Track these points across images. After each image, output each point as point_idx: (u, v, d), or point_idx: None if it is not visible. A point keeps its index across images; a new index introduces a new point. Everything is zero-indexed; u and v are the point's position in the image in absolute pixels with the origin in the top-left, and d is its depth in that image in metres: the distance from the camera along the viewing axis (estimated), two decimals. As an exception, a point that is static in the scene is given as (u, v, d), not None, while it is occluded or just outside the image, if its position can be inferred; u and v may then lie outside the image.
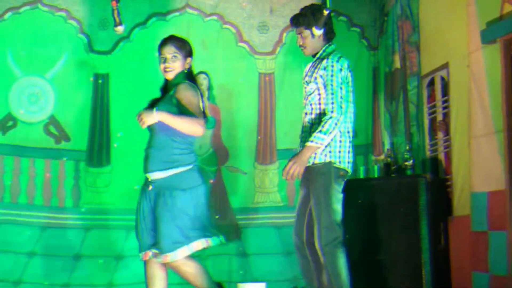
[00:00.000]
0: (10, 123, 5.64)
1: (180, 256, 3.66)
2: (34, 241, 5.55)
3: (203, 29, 6.02)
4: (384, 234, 5.19)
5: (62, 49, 5.82)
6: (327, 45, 4.29)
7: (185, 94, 3.80)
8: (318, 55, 4.26)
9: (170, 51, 3.89)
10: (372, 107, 6.18)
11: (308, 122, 4.18)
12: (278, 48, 6.06)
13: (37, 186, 5.67)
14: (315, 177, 4.09)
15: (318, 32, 4.44)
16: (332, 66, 4.11)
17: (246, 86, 6.03)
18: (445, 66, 5.30)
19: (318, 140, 3.99)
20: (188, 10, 5.99)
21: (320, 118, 4.09)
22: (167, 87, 3.94)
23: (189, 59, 3.93)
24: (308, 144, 4.01)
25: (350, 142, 4.16)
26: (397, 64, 5.84)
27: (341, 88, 4.10)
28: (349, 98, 4.18)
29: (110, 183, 5.80)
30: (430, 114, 5.58)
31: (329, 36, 4.30)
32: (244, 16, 6.02)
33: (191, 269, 3.72)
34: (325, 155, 4.09)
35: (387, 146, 5.88)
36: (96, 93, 5.83)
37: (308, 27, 4.23)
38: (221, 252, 5.69)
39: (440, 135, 5.41)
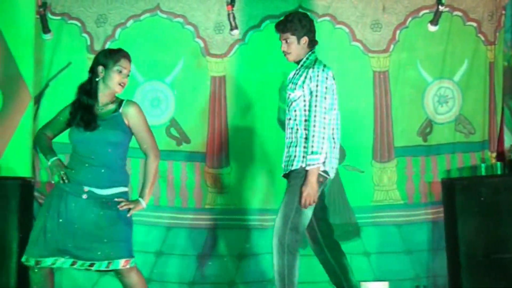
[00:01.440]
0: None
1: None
2: (160, 241, 5.72)
3: (316, 30, 6.02)
4: (510, 232, 5.09)
5: (180, 54, 5.96)
6: (310, 52, 4.36)
7: (139, 121, 3.99)
8: (301, 62, 4.34)
9: (128, 67, 3.98)
10: (488, 103, 6.04)
11: (292, 128, 4.26)
12: (392, 46, 6.00)
13: (161, 187, 5.82)
14: (294, 178, 4.16)
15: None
16: (318, 75, 4.21)
17: (360, 85, 6.00)
18: None
19: (314, 162, 4.07)
20: (301, 11, 6.01)
21: (305, 124, 4.18)
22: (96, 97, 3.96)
23: None
24: (308, 168, 4.08)
25: (334, 147, 4.25)
26: (518, 59, 5.72)
27: (325, 98, 4.17)
28: (334, 106, 4.27)
29: (230, 184, 5.90)
30: (556, 109, 5.44)
31: (313, 44, 4.39)
32: (356, 15, 6.00)
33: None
34: None
35: (510, 142, 5.74)
36: (214, 96, 5.94)
37: (294, 33, 4.30)
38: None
39: None
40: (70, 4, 5.92)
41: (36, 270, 3.79)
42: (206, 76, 5.99)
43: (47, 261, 3.78)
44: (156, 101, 5.93)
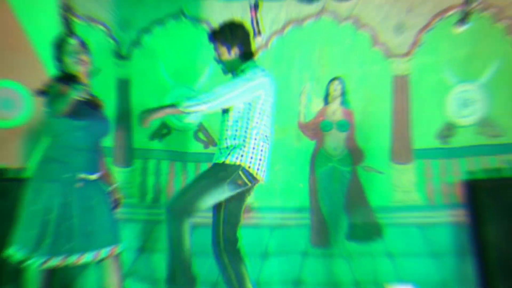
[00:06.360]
0: (165, 130, 5.97)
1: None
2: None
3: (338, 33, 6.04)
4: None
5: (206, 59, 5.96)
6: (248, 62, 4.23)
7: None
8: (239, 70, 4.22)
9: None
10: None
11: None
12: (414, 49, 6.01)
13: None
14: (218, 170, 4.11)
15: None
16: (251, 71, 4.09)
17: (379, 90, 6.03)
18: None
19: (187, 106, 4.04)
20: (324, 15, 6.03)
21: (244, 137, 4.10)
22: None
23: None
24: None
25: (265, 149, 4.14)
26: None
27: (243, 86, 4.07)
28: (267, 113, 4.20)
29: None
30: None
31: (247, 55, 4.22)
32: (380, 17, 6.01)
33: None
34: (236, 158, 4.08)
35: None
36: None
37: (225, 43, 4.16)
38: (364, 251, 5.78)
39: None
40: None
41: (38, 270, 3.71)
42: (232, 82, 6.04)
43: (56, 260, 3.73)
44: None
